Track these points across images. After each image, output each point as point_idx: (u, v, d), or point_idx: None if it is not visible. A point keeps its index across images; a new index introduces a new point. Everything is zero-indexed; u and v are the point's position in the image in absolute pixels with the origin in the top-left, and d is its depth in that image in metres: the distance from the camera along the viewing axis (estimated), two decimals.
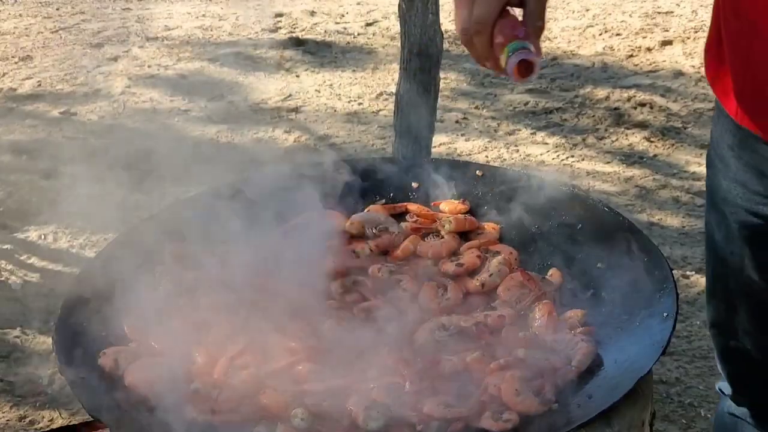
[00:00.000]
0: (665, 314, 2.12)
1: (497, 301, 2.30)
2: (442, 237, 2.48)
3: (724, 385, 2.54)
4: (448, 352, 2.15)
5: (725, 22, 2.13)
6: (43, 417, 3.62)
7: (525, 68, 1.95)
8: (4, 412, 3.65)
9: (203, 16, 7.27)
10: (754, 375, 2.41)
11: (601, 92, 5.92)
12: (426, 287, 2.34)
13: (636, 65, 6.22)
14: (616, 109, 5.74)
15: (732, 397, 2.52)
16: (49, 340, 3.70)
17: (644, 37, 6.60)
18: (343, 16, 7.09)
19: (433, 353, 2.15)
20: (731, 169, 2.23)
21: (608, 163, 5.23)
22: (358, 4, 7.35)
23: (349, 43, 6.60)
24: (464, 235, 2.50)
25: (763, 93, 2.08)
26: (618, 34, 6.70)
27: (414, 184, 2.66)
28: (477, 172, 2.65)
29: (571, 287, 2.34)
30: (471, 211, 2.57)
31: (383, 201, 2.62)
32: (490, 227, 2.51)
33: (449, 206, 2.58)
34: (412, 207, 2.57)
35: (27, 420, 3.62)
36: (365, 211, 2.58)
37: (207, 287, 2.35)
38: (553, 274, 2.36)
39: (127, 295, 2.33)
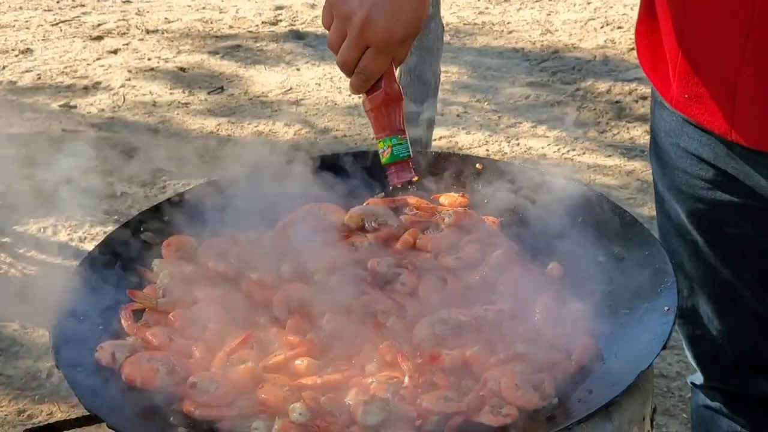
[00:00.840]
0: (666, 308, 2.11)
1: (497, 295, 2.28)
2: (442, 230, 2.46)
3: (696, 377, 2.54)
4: (448, 347, 2.14)
5: (660, 5, 2.13)
6: (42, 411, 3.62)
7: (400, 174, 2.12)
8: (2, 406, 3.65)
9: (203, 8, 7.25)
10: (721, 360, 2.42)
11: (602, 85, 5.91)
12: (425, 281, 2.32)
13: (637, 59, 6.20)
14: (617, 102, 5.73)
15: (704, 387, 2.52)
16: (48, 335, 3.69)
17: None
18: None
19: (432, 348, 2.14)
20: (671, 156, 2.24)
21: (609, 156, 5.22)
22: None
23: None
24: (464, 229, 2.48)
25: (696, 77, 2.09)
26: (620, 27, 6.69)
27: (414, 178, 2.65)
28: (477, 165, 2.64)
29: (572, 281, 2.33)
30: (470, 205, 2.56)
31: (382, 194, 2.60)
32: (490, 221, 2.50)
33: (449, 199, 2.57)
34: (412, 200, 2.56)
35: (26, 414, 3.61)
36: (364, 204, 2.57)
37: (205, 280, 2.34)
38: (554, 268, 2.35)
39: (124, 288, 2.32)
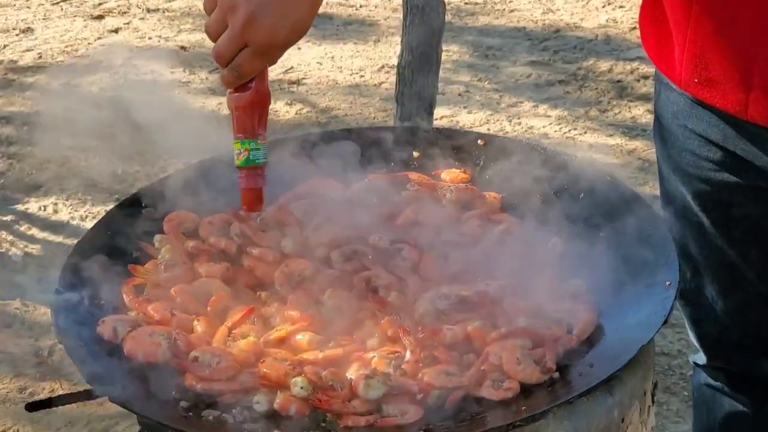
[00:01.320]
0: (667, 283, 2.11)
1: (498, 270, 2.28)
2: (444, 206, 2.46)
3: (698, 357, 2.54)
4: (449, 322, 2.14)
5: None
6: (44, 388, 3.62)
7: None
8: (4, 384, 3.66)
9: None
10: (725, 341, 2.42)
11: (604, 65, 5.90)
12: (427, 256, 2.32)
13: (639, 38, 6.18)
14: (619, 81, 5.72)
15: (707, 367, 2.52)
16: (50, 312, 3.69)
17: None
18: None
19: (433, 322, 2.14)
20: (678, 137, 2.24)
21: (611, 135, 5.22)
22: None
23: (350, 15, 6.57)
24: (465, 204, 2.48)
25: (708, 61, 2.07)
26: (621, 7, 6.67)
27: (415, 154, 2.65)
28: (479, 141, 2.63)
29: (573, 256, 2.33)
30: (472, 180, 2.55)
31: (384, 170, 2.60)
32: (491, 196, 2.49)
33: (450, 175, 2.56)
34: (413, 176, 2.56)
35: (27, 391, 3.62)
36: (366, 180, 2.56)
37: (206, 256, 2.34)
38: (555, 243, 2.35)
39: (125, 264, 2.32)
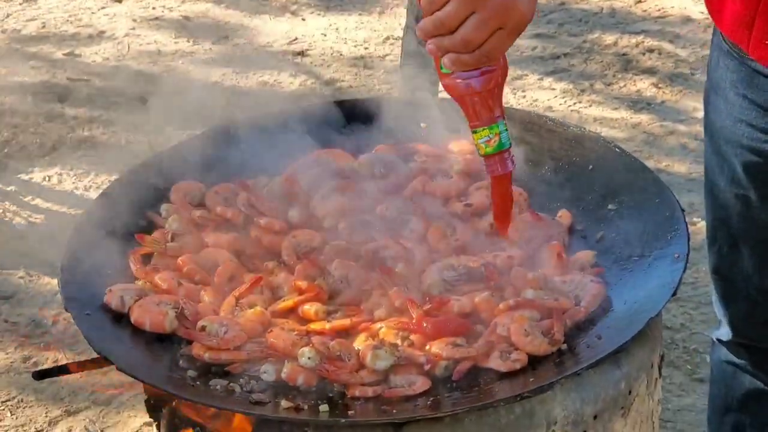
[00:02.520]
0: (676, 255, 2.11)
1: (506, 242, 2.28)
2: (451, 177, 2.45)
3: (721, 333, 2.53)
4: (457, 293, 2.14)
5: None
6: (48, 358, 3.62)
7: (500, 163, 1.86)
8: (8, 353, 3.66)
9: None
10: (756, 316, 2.41)
11: (609, 38, 5.87)
12: (434, 228, 2.32)
13: (644, 11, 6.16)
14: (624, 54, 5.69)
15: (731, 343, 2.51)
16: (54, 282, 3.69)
17: None
18: None
19: (441, 293, 2.14)
20: (735, 107, 2.21)
21: (616, 109, 5.20)
22: None
23: None
24: (473, 176, 2.47)
25: None
26: None
27: (422, 125, 2.64)
28: None
29: (581, 228, 2.33)
30: None
31: (392, 141, 2.59)
32: None
33: (458, 146, 2.55)
34: (421, 147, 2.55)
35: (31, 361, 3.62)
36: (373, 151, 2.56)
37: (213, 225, 2.34)
38: (563, 215, 2.34)
39: (132, 233, 2.32)
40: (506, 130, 1.84)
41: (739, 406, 2.55)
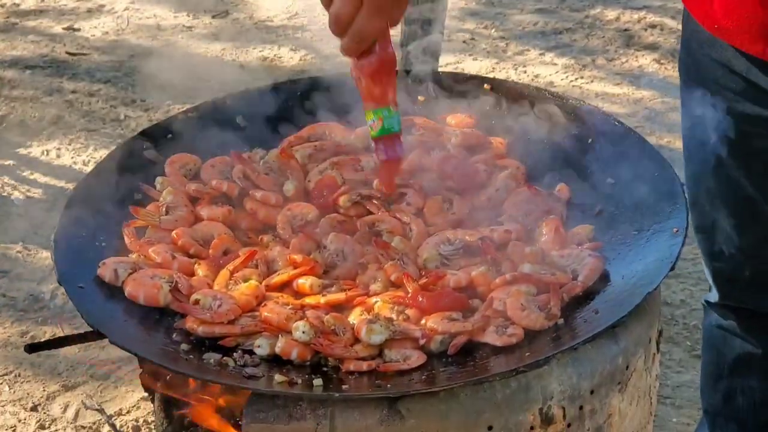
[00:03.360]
0: (675, 230, 2.09)
1: (503, 216, 2.26)
2: (449, 151, 2.43)
3: (711, 295, 2.53)
4: (453, 267, 2.13)
5: None
6: (45, 332, 3.61)
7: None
8: (5, 328, 3.65)
9: None
10: (739, 277, 2.40)
11: (611, 13, 5.84)
12: (431, 201, 2.30)
13: None
14: (626, 30, 5.67)
15: (718, 306, 2.51)
16: (51, 256, 3.68)
17: None
18: None
19: (437, 267, 2.13)
20: (703, 67, 2.20)
21: (617, 84, 5.17)
22: None
23: None
24: (471, 149, 2.45)
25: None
26: None
27: (420, 98, 2.62)
28: (485, 85, 2.60)
29: (580, 202, 2.31)
30: (477, 125, 2.52)
31: None
32: (497, 141, 2.47)
33: (456, 120, 2.53)
34: (419, 120, 2.53)
35: (29, 335, 3.61)
36: None
37: (208, 198, 2.32)
38: (561, 189, 2.33)
39: (125, 207, 2.30)
40: (393, 116, 1.95)
41: (730, 371, 2.54)
